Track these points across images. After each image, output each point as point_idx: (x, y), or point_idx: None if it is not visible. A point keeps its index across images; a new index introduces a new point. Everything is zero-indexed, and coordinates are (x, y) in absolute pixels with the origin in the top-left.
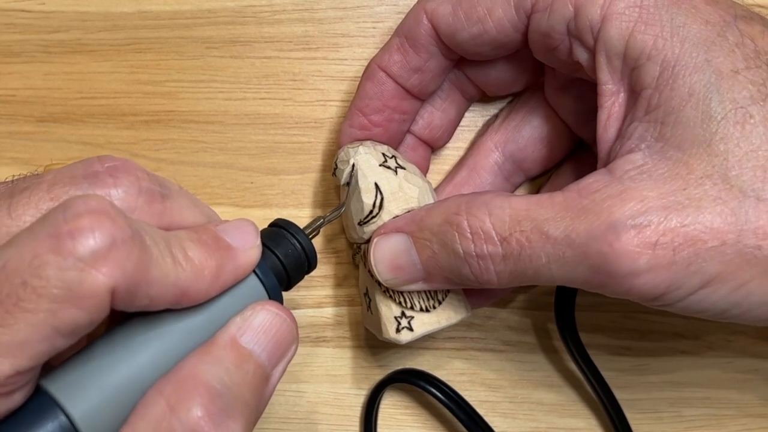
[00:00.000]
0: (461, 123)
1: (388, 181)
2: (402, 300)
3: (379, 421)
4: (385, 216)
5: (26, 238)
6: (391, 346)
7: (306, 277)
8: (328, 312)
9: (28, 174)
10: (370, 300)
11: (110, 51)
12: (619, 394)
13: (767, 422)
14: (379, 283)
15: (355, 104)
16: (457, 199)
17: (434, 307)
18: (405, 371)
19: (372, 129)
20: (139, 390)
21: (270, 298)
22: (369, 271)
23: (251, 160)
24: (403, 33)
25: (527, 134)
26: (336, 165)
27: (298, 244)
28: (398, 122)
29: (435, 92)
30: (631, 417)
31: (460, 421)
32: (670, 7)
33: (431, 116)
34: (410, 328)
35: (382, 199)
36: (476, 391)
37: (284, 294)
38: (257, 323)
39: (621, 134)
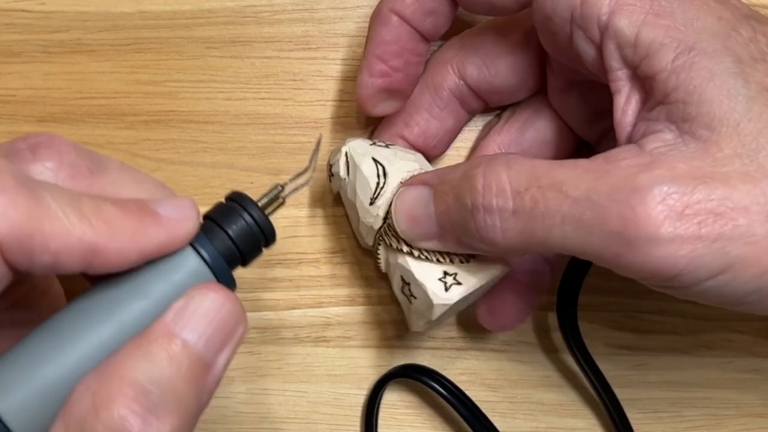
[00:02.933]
0: None
1: (383, 153)
2: (440, 257)
3: (380, 421)
4: (392, 180)
5: None
6: (392, 345)
7: (306, 276)
8: (329, 312)
9: None
10: (407, 283)
11: (110, 51)
12: (618, 394)
13: (767, 422)
14: (411, 252)
15: (371, 52)
16: (483, 156)
17: (469, 261)
18: (406, 366)
19: (392, 75)
20: (69, 383)
21: (216, 277)
22: (393, 230)
23: (251, 160)
24: None
25: (531, 136)
26: (330, 172)
27: (249, 218)
28: (415, 65)
29: (433, 100)
30: (631, 417)
31: (462, 417)
32: (682, 2)
33: (427, 124)
34: (458, 282)
35: (383, 167)
36: (476, 391)
37: (282, 291)
38: (193, 309)
39: (642, 117)
